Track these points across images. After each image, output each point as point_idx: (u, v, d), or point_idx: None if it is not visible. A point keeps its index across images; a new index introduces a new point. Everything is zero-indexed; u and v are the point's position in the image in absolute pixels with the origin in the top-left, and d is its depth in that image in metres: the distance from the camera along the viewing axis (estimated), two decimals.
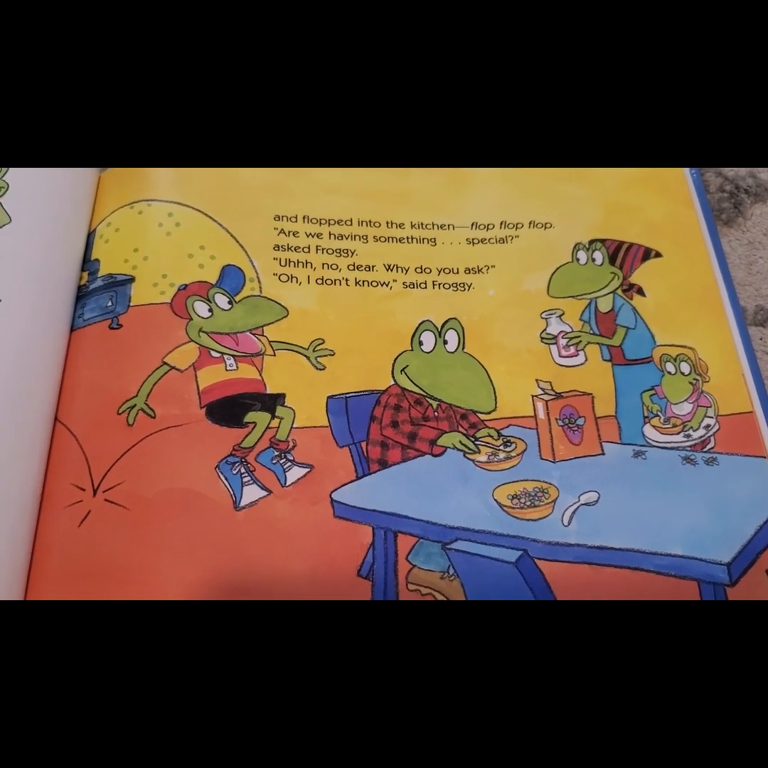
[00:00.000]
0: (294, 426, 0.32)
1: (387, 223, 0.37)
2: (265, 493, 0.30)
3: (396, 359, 0.34)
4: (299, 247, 0.36)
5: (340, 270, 0.36)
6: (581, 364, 0.35)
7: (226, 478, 0.30)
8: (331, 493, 0.31)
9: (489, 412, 0.33)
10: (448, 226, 0.37)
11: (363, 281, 0.36)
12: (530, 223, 0.38)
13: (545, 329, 0.35)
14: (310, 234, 0.36)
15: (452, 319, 0.35)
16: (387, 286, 0.36)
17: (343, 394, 0.33)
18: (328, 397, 0.33)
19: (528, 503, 0.31)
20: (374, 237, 0.37)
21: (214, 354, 0.33)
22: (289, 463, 0.31)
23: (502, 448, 0.32)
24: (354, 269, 0.36)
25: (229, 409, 0.32)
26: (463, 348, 0.34)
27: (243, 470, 0.31)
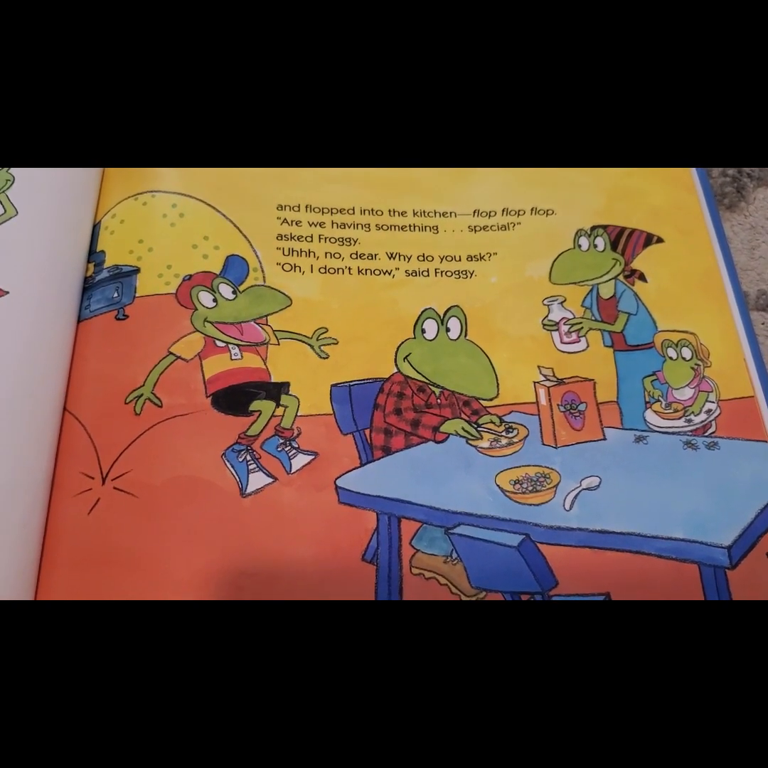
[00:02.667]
0: (298, 414, 0.32)
1: (389, 211, 0.37)
2: (270, 480, 0.31)
3: (399, 347, 0.34)
4: (302, 237, 0.36)
5: (343, 259, 0.36)
6: (583, 350, 0.35)
7: (232, 466, 0.31)
8: (336, 479, 0.31)
9: (491, 399, 0.33)
10: (450, 213, 0.38)
11: (366, 270, 0.36)
12: (532, 209, 0.38)
13: (547, 316, 0.35)
14: (313, 223, 0.37)
15: (454, 306, 0.35)
16: (389, 274, 0.36)
17: (346, 382, 0.33)
18: (332, 386, 0.33)
19: (530, 488, 0.31)
20: (376, 225, 0.37)
21: (219, 344, 0.33)
22: (294, 451, 0.32)
23: (504, 434, 0.33)
24: (356, 258, 0.36)
25: (234, 398, 0.32)
26: (465, 335, 0.35)
27: (249, 458, 0.31)
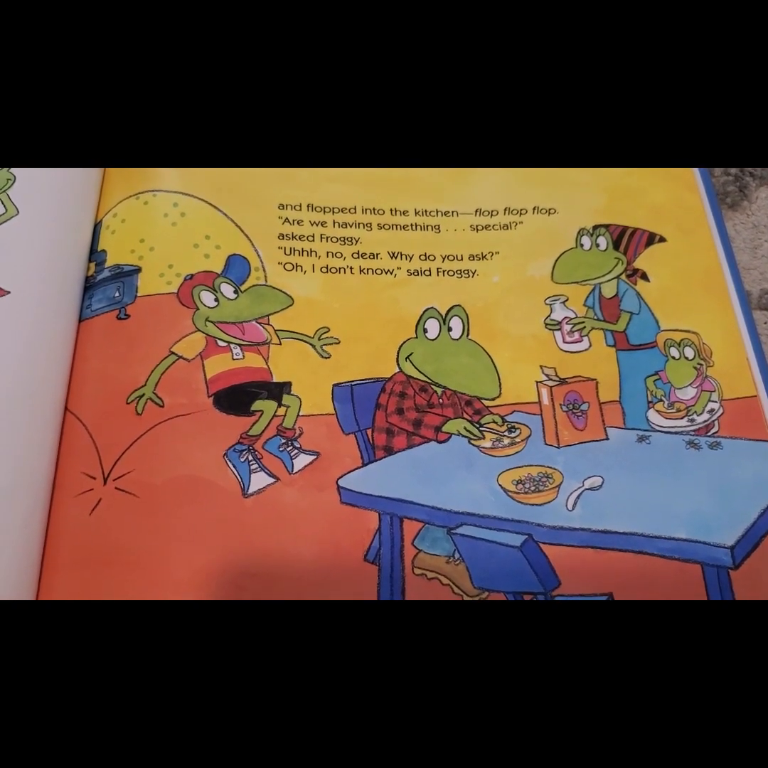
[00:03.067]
0: (300, 414, 0.32)
1: (391, 210, 0.37)
2: (272, 480, 0.31)
3: (401, 347, 0.34)
4: (303, 236, 0.36)
5: (345, 258, 0.36)
6: (585, 349, 0.35)
7: (234, 466, 0.31)
8: (338, 479, 0.31)
9: (493, 399, 0.33)
10: (452, 212, 0.38)
11: (367, 269, 0.36)
12: (534, 209, 0.38)
13: (549, 315, 0.35)
14: (315, 222, 0.37)
15: (456, 306, 0.35)
16: (391, 273, 0.36)
17: (348, 381, 0.33)
18: (334, 385, 0.33)
19: (532, 488, 0.31)
20: (378, 225, 0.37)
21: (220, 343, 0.33)
22: (296, 451, 0.32)
23: (506, 433, 0.33)
24: (358, 257, 0.36)
25: (236, 398, 0.32)
26: (467, 335, 0.35)
27: (251, 458, 0.31)
